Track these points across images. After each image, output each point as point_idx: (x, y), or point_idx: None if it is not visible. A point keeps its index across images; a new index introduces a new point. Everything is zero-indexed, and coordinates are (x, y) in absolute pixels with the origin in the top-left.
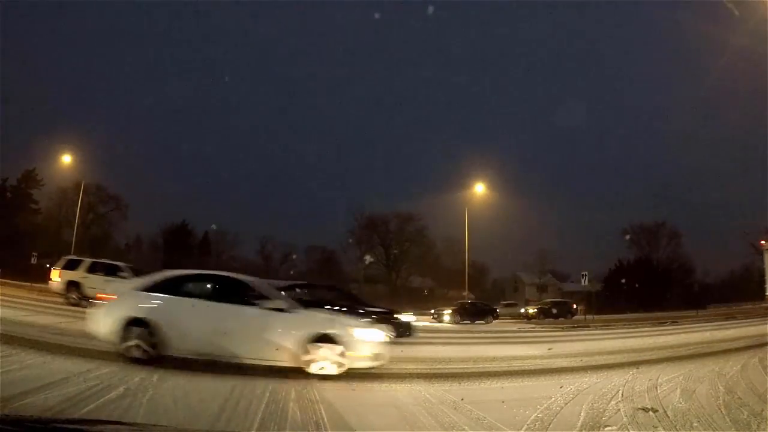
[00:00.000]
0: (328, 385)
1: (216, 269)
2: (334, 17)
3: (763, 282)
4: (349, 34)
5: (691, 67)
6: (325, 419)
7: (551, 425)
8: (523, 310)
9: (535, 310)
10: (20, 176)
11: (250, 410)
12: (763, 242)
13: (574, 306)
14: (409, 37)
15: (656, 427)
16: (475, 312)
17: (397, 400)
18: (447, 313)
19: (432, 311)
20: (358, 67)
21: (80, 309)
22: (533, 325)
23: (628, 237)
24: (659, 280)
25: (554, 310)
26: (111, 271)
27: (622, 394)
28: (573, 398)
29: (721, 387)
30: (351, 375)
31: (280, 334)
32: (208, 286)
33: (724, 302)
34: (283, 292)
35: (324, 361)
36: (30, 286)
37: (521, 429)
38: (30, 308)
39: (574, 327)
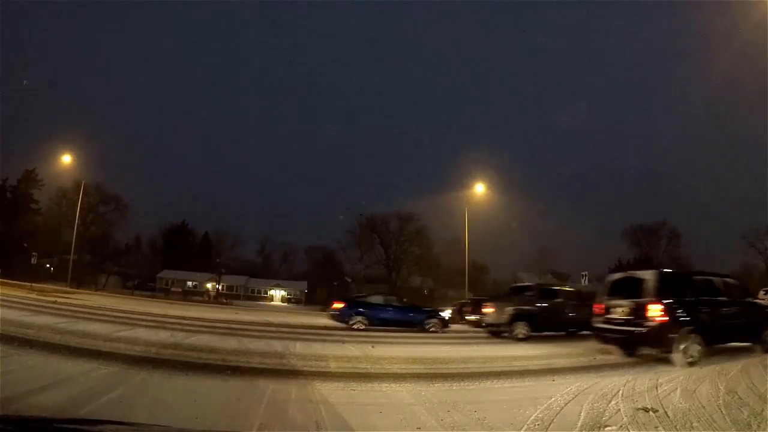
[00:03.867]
0: (328, 385)
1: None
2: (335, 19)
3: (764, 283)
4: (349, 35)
5: (692, 67)
6: (325, 419)
7: (551, 425)
8: None
9: None
10: (20, 176)
11: (250, 410)
12: None
13: None
14: (408, 38)
15: (656, 427)
16: None
17: (397, 400)
18: (446, 314)
19: None
20: (358, 68)
21: None
22: None
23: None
24: None
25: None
26: None
27: (623, 394)
28: (573, 398)
29: (721, 387)
30: (351, 375)
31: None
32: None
33: None
34: None
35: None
36: (30, 286)
37: (521, 429)
38: (30, 308)
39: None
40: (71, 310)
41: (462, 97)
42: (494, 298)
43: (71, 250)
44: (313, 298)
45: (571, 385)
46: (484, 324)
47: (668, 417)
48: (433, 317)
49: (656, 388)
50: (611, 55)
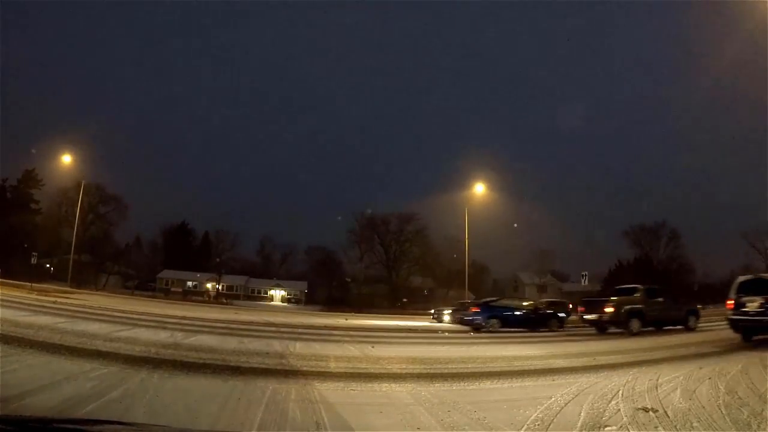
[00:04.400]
0: (328, 385)
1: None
2: (336, 18)
3: None
4: (350, 35)
5: (691, 68)
6: (325, 419)
7: (551, 425)
8: None
9: None
10: (20, 176)
11: (250, 410)
12: None
13: (570, 306)
14: (409, 38)
15: (656, 427)
16: None
17: (397, 400)
18: (447, 314)
19: (432, 311)
20: (359, 68)
21: None
22: None
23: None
24: (659, 280)
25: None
26: None
27: (623, 394)
28: (573, 398)
29: (721, 387)
30: (351, 375)
31: None
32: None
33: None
34: None
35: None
36: (30, 286)
37: (521, 429)
38: (30, 308)
39: (574, 326)
40: (71, 310)
41: (463, 96)
42: (610, 299)
43: (71, 250)
44: (313, 298)
45: (571, 385)
46: (591, 321)
47: (668, 417)
48: (554, 318)
49: (656, 388)
50: (612, 56)
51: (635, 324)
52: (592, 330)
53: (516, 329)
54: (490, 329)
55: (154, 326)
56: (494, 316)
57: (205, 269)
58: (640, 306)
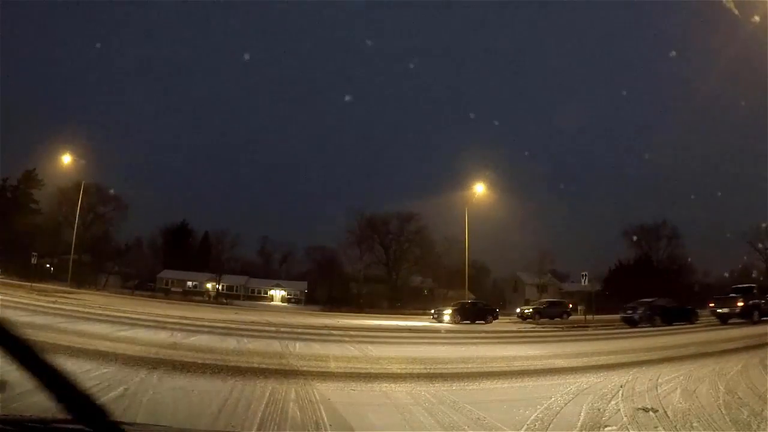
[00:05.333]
0: (328, 385)
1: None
2: (335, 18)
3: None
4: (349, 34)
5: (692, 67)
6: (325, 419)
7: (551, 425)
8: (518, 310)
9: (531, 310)
10: (20, 176)
11: (250, 410)
12: None
13: (570, 306)
14: (408, 37)
15: (656, 427)
16: (476, 312)
17: (397, 400)
18: (447, 313)
19: (432, 311)
20: (359, 66)
21: None
22: (533, 326)
23: (635, 238)
24: (659, 280)
25: (550, 310)
26: None
27: (622, 394)
28: (573, 398)
29: (721, 387)
30: (351, 375)
31: None
32: None
33: None
34: None
35: None
36: (30, 286)
37: (521, 429)
38: (30, 308)
39: (573, 327)
40: (71, 310)
41: (463, 96)
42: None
43: (71, 250)
44: (313, 298)
45: (571, 385)
46: (721, 313)
47: (668, 417)
48: (693, 314)
49: (656, 388)
50: (612, 54)
51: (756, 315)
52: (716, 321)
53: (662, 325)
54: (656, 324)
55: (154, 326)
56: (656, 313)
57: (205, 269)
58: (759, 301)
